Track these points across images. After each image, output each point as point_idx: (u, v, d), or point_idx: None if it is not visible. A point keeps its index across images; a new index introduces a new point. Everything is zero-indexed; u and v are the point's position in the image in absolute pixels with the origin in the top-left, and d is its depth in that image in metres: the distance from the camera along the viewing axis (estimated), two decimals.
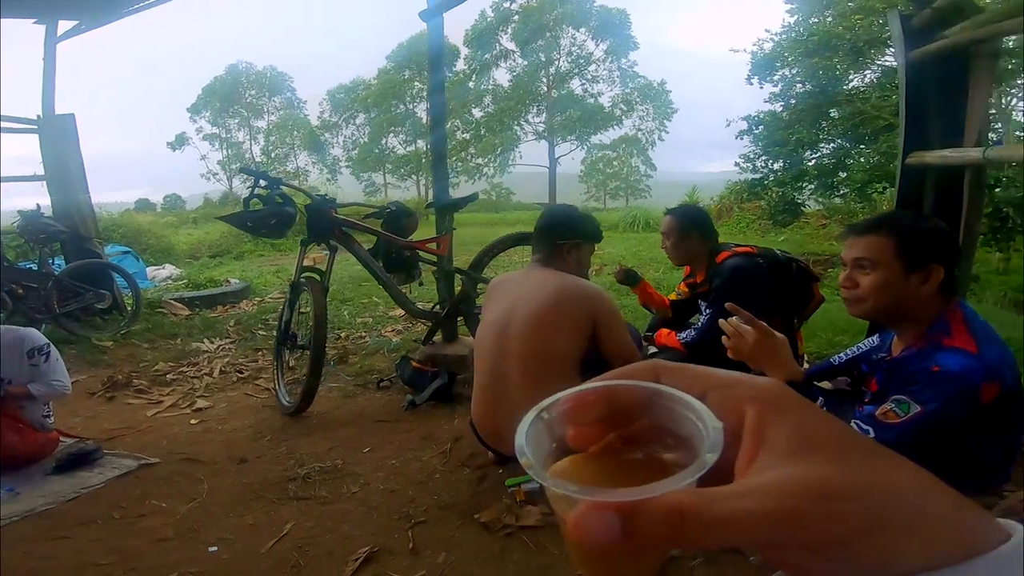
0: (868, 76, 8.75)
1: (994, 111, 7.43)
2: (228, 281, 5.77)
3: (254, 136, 32.08)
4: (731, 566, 1.45)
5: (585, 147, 27.69)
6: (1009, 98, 7.89)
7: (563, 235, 1.88)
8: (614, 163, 29.06)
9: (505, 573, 1.51)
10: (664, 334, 2.58)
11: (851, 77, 8.79)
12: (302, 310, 2.66)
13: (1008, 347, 1.29)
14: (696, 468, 0.21)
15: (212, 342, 3.80)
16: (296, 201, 2.65)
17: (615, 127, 26.74)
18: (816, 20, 9.10)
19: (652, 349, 2.60)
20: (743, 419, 0.24)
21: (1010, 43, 6.65)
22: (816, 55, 8.11)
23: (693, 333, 2.36)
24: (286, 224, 2.52)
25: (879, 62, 8.19)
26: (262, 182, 2.53)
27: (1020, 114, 8.49)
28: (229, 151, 31.63)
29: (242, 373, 3.23)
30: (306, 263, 2.71)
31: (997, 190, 5.46)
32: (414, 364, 2.77)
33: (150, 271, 6.57)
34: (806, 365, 2.38)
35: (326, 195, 2.75)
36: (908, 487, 0.23)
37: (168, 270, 6.83)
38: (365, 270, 2.85)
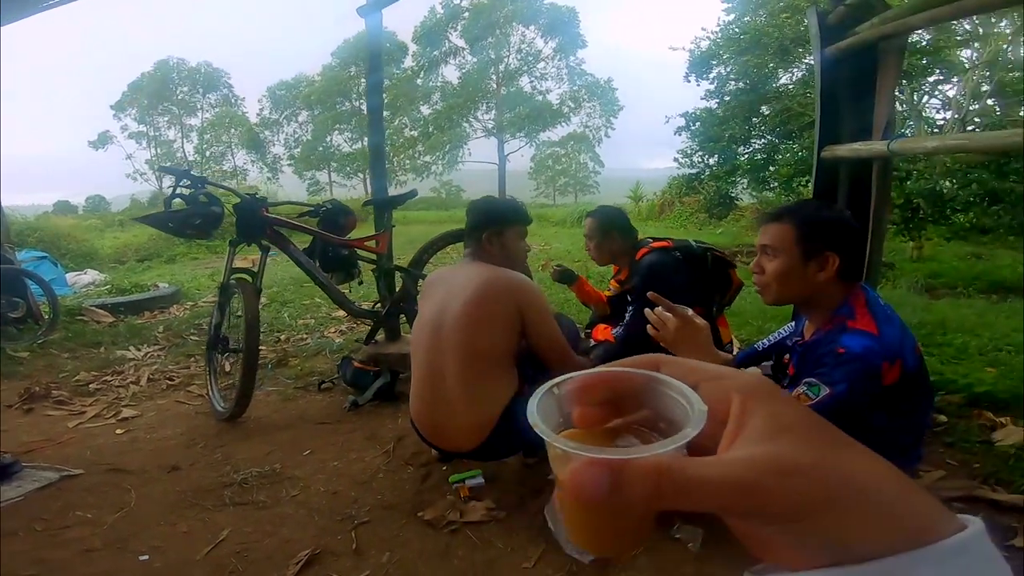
0: (795, 74, 9.17)
1: (906, 107, 7.96)
2: (156, 285, 5.48)
3: (186, 134, 30.52)
4: (672, 552, 1.50)
5: (534, 144, 27.87)
6: (920, 94, 8.43)
7: (484, 225, 1.87)
8: (563, 160, 29.38)
9: (450, 570, 1.51)
10: (600, 330, 2.68)
11: (780, 75, 9.19)
12: (237, 313, 2.56)
13: (908, 329, 1.37)
14: (680, 437, 0.25)
15: (139, 349, 3.61)
16: (224, 200, 2.55)
17: (563, 124, 27.03)
18: (749, 19, 9.41)
19: (592, 343, 2.68)
20: (729, 408, 0.26)
21: (923, 41, 7.17)
22: (748, 53, 8.43)
23: (620, 329, 2.46)
24: (212, 224, 2.41)
25: (805, 60, 8.59)
26: (185, 181, 2.42)
27: (932, 111, 9.13)
28: (158, 150, 29.96)
29: (172, 380, 3.08)
30: (244, 264, 2.62)
31: (908, 182, 5.89)
32: (356, 364, 2.72)
33: (71, 277, 6.14)
34: (736, 351, 2.49)
35: (257, 194, 2.65)
36: (864, 472, 0.25)
37: (91, 276, 6.40)
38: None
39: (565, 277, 2.79)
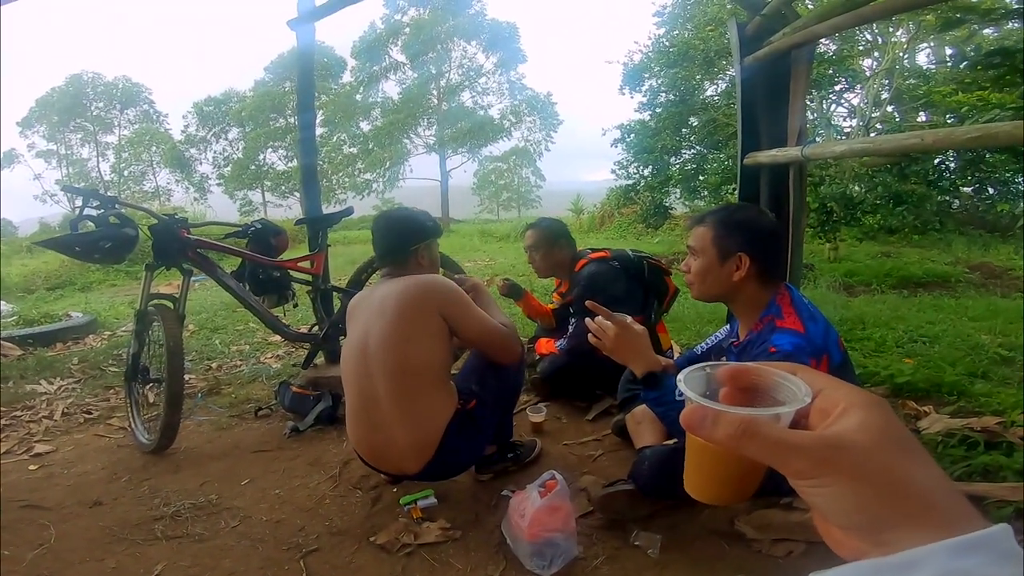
0: (720, 86, 9.61)
1: (816, 115, 8.53)
2: (69, 315, 5.04)
3: (102, 152, 28.60)
4: (632, 559, 1.51)
5: (476, 159, 27.94)
6: (828, 103, 9.04)
7: (411, 241, 1.81)
8: (505, 175, 29.58)
9: None
10: (543, 343, 2.70)
11: (706, 87, 9.62)
12: (161, 342, 2.41)
13: (831, 325, 1.44)
14: (771, 409, 0.32)
15: (51, 383, 3.33)
16: (142, 222, 2.39)
17: (505, 139, 27.24)
18: (678, 32, 9.72)
19: (536, 356, 2.70)
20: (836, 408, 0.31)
21: (829, 52, 7.73)
22: (676, 66, 8.77)
23: (564, 341, 2.50)
24: (125, 248, 2.24)
25: (728, 72, 9.00)
26: (93, 201, 2.25)
27: (839, 119, 9.80)
28: (70, 169, 27.93)
29: (90, 414, 2.86)
30: (169, 291, 2.46)
31: (822, 187, 6.30)
32: (294, 389, 2.61)
33: None
34: (676, 355, 2.56)
35: (176, 214, 2.50)
36: (921, 478, 0.28)
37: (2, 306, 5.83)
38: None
39: (513, 292, 2.80)
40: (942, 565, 0.25)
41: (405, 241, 1.81)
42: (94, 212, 2.28)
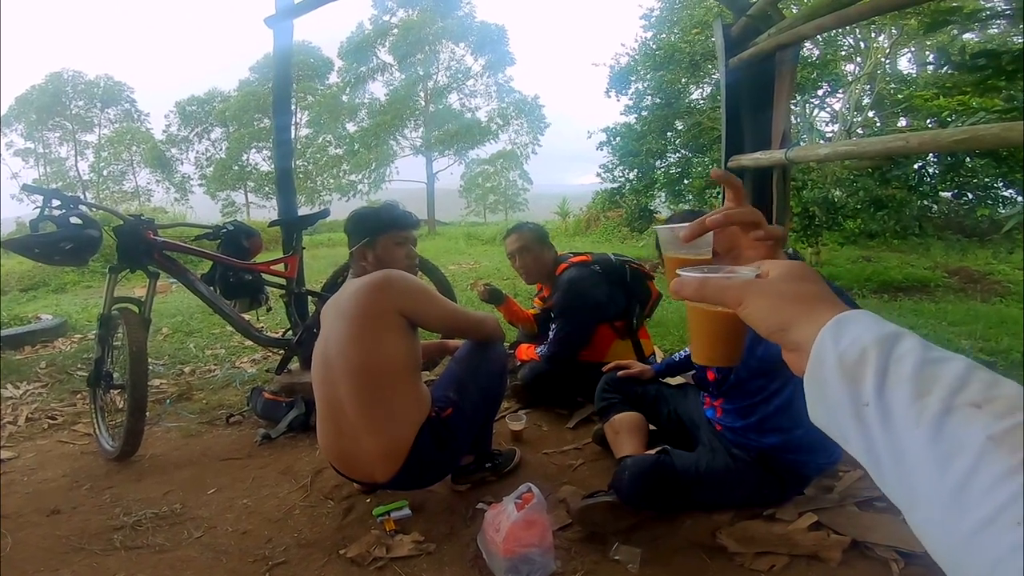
0: (705, 89, 9.67)
1: (799, 119, 8.60)
2: (39, 317, 4.94)
3: (81, 151, 28.04)
4: (611, 574, 1.47)
5: (463, 162, 27.83)
6: (811, 107, 9.12)
7: (354, 240, 1.76)
8: (493, 177, 29.49)
9: None
10: (523, 349, 2.65)
11: (692, 90, 9.66)
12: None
13: None
14: (723, 275, 0.46)
15: (17, 387, 3.24)
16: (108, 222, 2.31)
17: (492, 141, 27.15)
18: (664, 35, 9.72)
19: (517, 362, 2.64)
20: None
21: (813, 56, 7.80)
22: (662, 69, 8.79)
23: (545, 347, 2.45)
24: (87, 249, 2.16)
25: (713, 75, 9.03)
26: (55, 201, 2.17)
27: (822, 123, 9.90)
28: (48, 168, 27.34)
29: (55, 419, 2.77)
30: (142, 294, 2.38)
31: (804, 192, 6.34)
32: (267, 395, 2.53)
33: None
34: (659, 361, 2.53)
35: (142, 215, 2.42)
36: (811, 293, 0.41)
37: None
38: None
39: (494, 297, 2.74)
40: (835, 351, 0.34)
41: (351, 243, 1.77)
42: (56, 212, 2.19)
